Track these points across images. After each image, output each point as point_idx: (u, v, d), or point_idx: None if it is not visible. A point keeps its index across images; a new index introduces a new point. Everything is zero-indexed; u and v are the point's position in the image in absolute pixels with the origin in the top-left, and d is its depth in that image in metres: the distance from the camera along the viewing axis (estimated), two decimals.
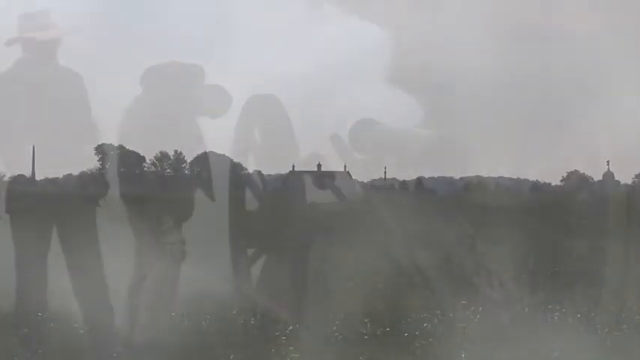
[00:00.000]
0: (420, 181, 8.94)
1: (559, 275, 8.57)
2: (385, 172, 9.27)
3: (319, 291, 8.36)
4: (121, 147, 7.49)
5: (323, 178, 8.34)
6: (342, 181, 8.49)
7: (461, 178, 9.12)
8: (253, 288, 7.47)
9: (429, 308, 7.34)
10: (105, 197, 6.96)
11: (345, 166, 8.78)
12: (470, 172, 8.89)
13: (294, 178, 8.10)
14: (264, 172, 8.01)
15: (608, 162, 9.46)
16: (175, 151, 7.69)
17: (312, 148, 8.53)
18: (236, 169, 7.90)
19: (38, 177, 7.15)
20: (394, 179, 9.41)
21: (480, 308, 7.37)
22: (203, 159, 8.00)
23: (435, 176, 9.36)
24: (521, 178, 9.62)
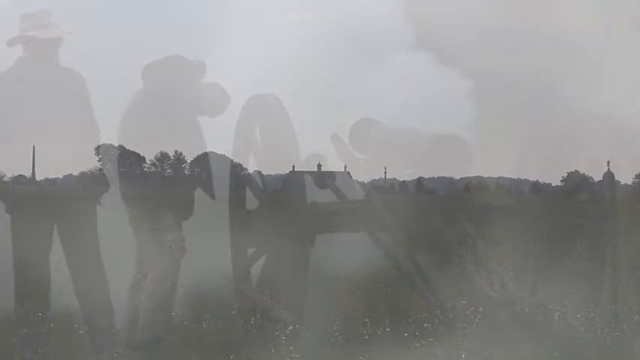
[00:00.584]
0: (419, 181, 8.92)
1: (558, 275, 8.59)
2: (385, 173, 9.26)
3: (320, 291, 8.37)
4: (121, 147, 7.49)
5: (323, 178, 8.34)
6: (342, 181, 8.49)
7: (461, 178, 9.11)
8: (253, 287, 7.47)
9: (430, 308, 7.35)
10: (104, 195, 6.96)
11: (345, 166, 8.79)
12: (470, 172, 8.89)
13: (294, 178, 8.10)
14: (264, 172, 8.01)
15: (608, 162, 9.45)
16: (175, 151, 7.68)
17: (313, 148, 8.53)
18: (236, 169, 7.90)
19: (38, 177, 7.15)
20: (394, 179, 9.40)
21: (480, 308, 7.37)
22: (203, 159, 8.00)
23: (435, 176, 9.36)
24: (522, 178, 9.61)
